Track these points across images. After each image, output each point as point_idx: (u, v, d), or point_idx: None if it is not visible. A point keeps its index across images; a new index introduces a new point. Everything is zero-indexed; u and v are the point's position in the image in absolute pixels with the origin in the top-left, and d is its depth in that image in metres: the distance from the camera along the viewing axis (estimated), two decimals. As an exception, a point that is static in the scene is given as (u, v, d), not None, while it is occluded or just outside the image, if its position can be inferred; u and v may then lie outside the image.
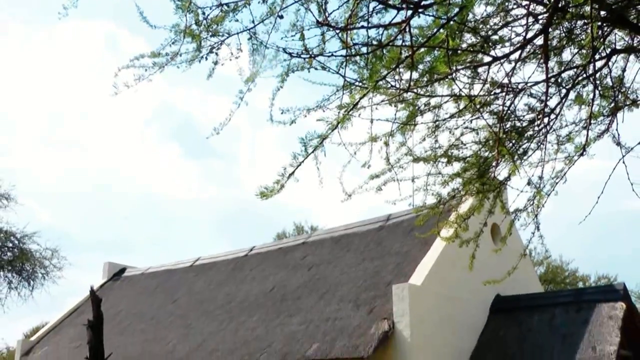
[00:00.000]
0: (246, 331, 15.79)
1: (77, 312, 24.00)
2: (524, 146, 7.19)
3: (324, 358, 13.13)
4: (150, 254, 68.04)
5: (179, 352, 16.61)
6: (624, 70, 6.62)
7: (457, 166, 7.38)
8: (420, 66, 5.61)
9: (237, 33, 4.69)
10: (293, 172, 4.81)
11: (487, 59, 5.80)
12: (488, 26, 6.10)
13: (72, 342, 21.14)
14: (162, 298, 21.49)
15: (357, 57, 5.15)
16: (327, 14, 4.55)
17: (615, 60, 6.52)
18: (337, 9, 4.71)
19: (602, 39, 5.91)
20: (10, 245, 15.91)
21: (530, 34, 5.66)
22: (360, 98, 5.23)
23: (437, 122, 6.90)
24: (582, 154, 6.96)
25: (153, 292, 22.63)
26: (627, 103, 6.80)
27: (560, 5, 5.11)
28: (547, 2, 5.42)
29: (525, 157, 7.23)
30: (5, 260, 15.63)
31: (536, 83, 6.35)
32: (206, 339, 16.54)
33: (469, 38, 6.03)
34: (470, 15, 5.85)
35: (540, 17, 5.68)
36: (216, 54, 4.79)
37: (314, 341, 13.72)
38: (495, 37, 6.07)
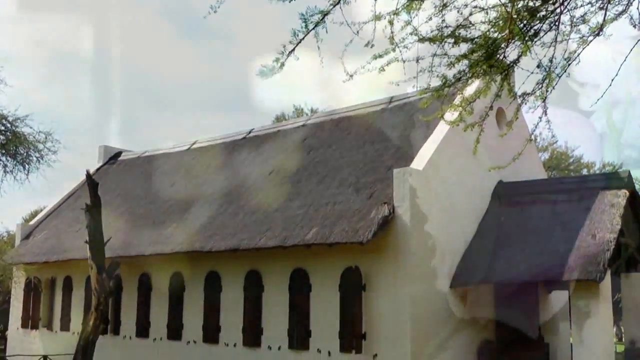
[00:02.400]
0: (245, 215, 15.84)
1: (75, 196, 23.97)
2: (535, 27, 6.80)
3: (323, 242, 13.21)
4: (145, 136, 68.14)
5: (178, 237, 16.73)
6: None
7: (464, 47, 7.04)
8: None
9: None
10: (293, 50, 4.55)
11: None
12: None
13: (71, 226, 21.30)
14: (159, 182, 21.44)
15: None
16: None
17: None
18: None
19: None
20: (3, 128, 15.60)
21: None
22: (365, -29, 4.82)
23: (444, 1, 6.49)
24: (597, 34, 6.59)
25: (150, 176, 22.55)
26: (649, -19, 6.33)
27: None
28: None
29: (536, 39, 6.84)
30: (-2, 144, 15.40)
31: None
32: (205, 223, 16.62)
33: None
34: None
35: None
36: None
37: (313, 225, 13.76)
38: None
